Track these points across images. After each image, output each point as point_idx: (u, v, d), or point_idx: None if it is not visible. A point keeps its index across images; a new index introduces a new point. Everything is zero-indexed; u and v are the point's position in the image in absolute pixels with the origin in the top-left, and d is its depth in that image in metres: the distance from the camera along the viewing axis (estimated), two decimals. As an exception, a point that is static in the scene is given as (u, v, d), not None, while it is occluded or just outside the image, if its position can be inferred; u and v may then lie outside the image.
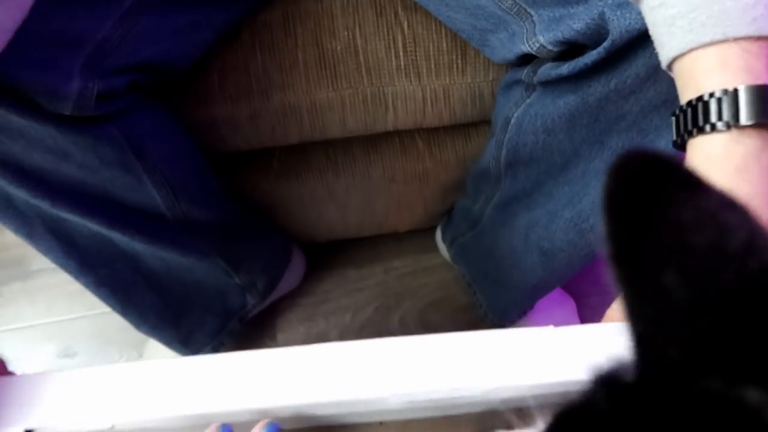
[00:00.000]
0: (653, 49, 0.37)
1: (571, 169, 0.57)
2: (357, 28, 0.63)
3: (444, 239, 0.90)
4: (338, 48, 0.63)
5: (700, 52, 0.34)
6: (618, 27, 0.42)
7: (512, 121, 0.59)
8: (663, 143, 0.50)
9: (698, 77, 0.34)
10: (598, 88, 0.49)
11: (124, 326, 0.70)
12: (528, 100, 0.56)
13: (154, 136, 0.57)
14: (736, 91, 0.32)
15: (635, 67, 0.45)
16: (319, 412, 0.33)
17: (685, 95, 0.35)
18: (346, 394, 0.31)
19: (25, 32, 0.37)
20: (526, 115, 0.57)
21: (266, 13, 0.63)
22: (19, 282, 0.96)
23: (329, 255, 0.93)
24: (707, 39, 0.33)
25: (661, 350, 0.16)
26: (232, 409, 0.31)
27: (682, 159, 0.41)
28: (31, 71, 0.42)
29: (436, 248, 0.93)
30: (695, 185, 0.18)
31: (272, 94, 0.64)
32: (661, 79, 0.44)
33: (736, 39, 0.33)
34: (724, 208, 0.17)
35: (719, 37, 0.33)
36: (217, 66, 0.62)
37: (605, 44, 0.44)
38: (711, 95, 0.33)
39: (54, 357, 0.89)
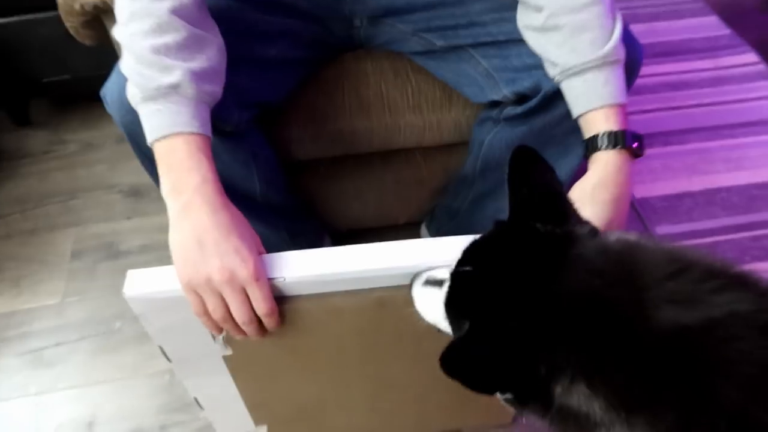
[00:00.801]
0: None
1: None
2: (382, 81, 0.98)
3: (429, 231, 1.25)
4: (370, 94, 0.98)
5: (593, 112, 0.71)
6: (547, 86, 0.79)
7: (485, 143, 0.94)
8: (577, 153, 0.86)
9: (594, 124, 0.71)
10: (538, 121, 0.85)
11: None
12: (495, 129, 0.92)
13: (259, 146, 0.91)
14: (611, 132, 0.69)
15: (559, 109, 0.81)
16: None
17: (588, 133, 0.71)
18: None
19: None
20: (494, 139, 0.93)
21: (325, 69, 0.98)
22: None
23: (348, 240, 1.26)
24: (597, 105, 0.70)
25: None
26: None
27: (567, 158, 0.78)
28: (217, 104, 0.76)
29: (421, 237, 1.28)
30: (543, 162, 0.53)
31: (327, 122, 0.98)
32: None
33: (611, 105, 0.70)
34: (552, 174, 0.52)
35: (602, 104, 0.70)
36: (293, 104, 0.96)
37: (540, 95, 0.80)
38: (602, 133, 0.69)
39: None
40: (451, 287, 0.53)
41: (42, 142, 1.58)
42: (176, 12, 0.65)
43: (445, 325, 0.55)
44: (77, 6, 0.92)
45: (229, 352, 0.77)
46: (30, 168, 1.52)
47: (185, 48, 0.65)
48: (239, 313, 0.62)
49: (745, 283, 0.40)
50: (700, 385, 0.37)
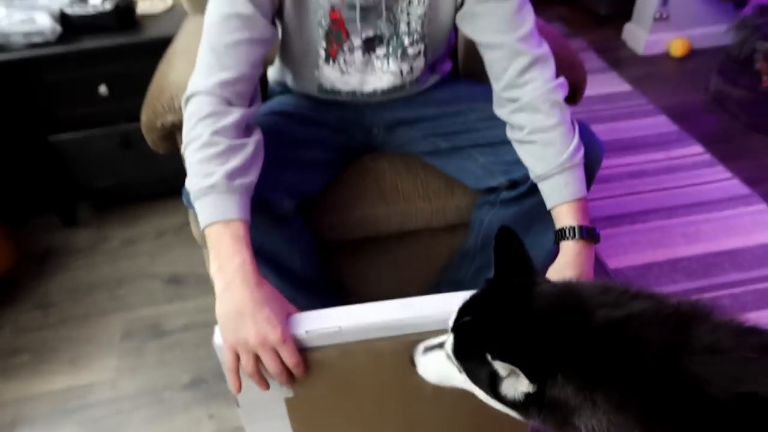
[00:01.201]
0: None
1: None
2: (396, 176, 1.22)
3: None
4: (387, 186, 1.22)
5: (558, 207, 0.96)
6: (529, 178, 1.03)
7: (485, 222, 1.17)
8: (551, 234, 1.08)
9: (560, 218, 0.95)
10: (527, 202, 1.09)
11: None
12: (493, 211, 1.15)
13: (300, 229, 1.12)
14: (572, 227, 0.93)
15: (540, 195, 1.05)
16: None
17: (557, 225, 0.96)
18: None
19: (269, 177, 0.94)
20: (493, 218, 1.16)
21: (351, 168, 1.22)
22: (160, 337, 1.43)
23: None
24: (560, 201, 0.95)
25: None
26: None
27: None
28: (273, 193, 0.98)
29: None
30: (517, 238, 0.75)
31: (352, 210, 1.21)
32: None
33: (572, 201, 0.95)
34: (522, 246, 0.75)
35: (564, 200, 0.96)
36: (326, 196, 1.19)
37: (529, 182, 1.04)
38: (566, 227, 0.93)
39: (188, 384, 1.35)
40: (456, 338, 0.70)
41: (88, 240, 1.79)
42: (217, 133, 0.87)
43: (450, 377, 0.73)
44: (158, 124, 1.16)
45: (291, 394, 0.94)
46: (78, 262, 1.71)
47: (223, 155, 0.86)
48: (272, 368, 0.80)
49: (650, 295, 0.63)
50: (629, 359, 0.58)
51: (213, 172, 0.85)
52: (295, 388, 0.93)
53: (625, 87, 2.36)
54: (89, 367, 1.41)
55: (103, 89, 1.59)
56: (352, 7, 0.98)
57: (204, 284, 1.60)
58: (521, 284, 0.71)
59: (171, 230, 1.80)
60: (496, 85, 1.04)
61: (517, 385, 0.66)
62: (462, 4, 1.02)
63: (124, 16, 1.57)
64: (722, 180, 1.87)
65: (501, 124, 1.07)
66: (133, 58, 1.58)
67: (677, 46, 2.53)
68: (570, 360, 0.61)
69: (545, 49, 1.01)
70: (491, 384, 0.67)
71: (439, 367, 0.75)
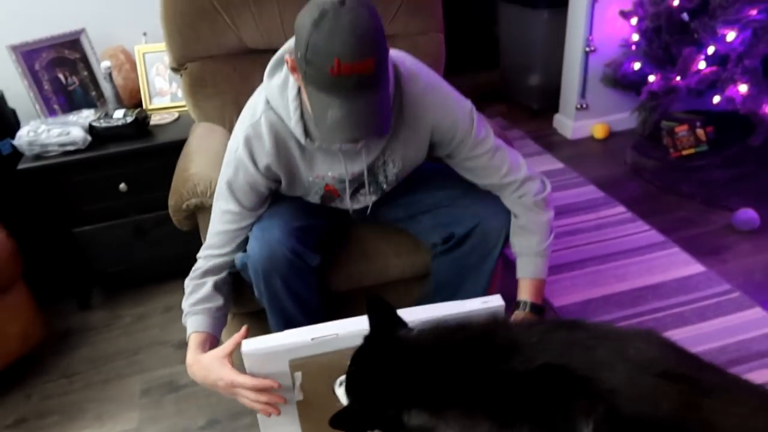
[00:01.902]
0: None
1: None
2: (375, 239, 1.53)
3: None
4: (370, 248, 1.52)
5: (522, 279, 1.33)
6: (458, 234, 1.36)
7: (433, 270, 1.46)
8: (483, 270, 1.39)
9: (522, 290, 1.33)
10: (457, 253, 1.38)
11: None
12: (437, 260, 1.44)
13: (316, 281, 1.39)
14: (527, 302, 1.30)
15: (467, 245, 1.36)
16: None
17: (518, 295, 1.33)
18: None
19: (307, 237, 1.27)
20: (437, 266, 1.44)
21: (342, 236, 1.52)
22: (176, 391, 1.65)
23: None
24: (525, 276, 1.33)
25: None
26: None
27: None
28: (309, 252, 1.28)
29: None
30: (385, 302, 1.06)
31: (343, 267, 1.50)
32: None
33: (533, 278, 1.33)
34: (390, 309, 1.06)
35: (528, 276, 1.34)
36: (326, 258, 1.49)
37: (455, 239, 1.37)
38: (523, 302, 1.30)
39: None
40: (345, 382, 0.98)
41: (102, 319, 2.02)
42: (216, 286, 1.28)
43: None
44: (184, 206, 1.47)
45: (301, 397, 1.19)
46: (96, 338, 1.93)
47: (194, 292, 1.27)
48: (248, 401, 1.13)
49: (463, 328, 0.92)
50: (460, 382, 0.85)
51: (192, 303, 1.29)
52: (303, 392, 1.19)
53: (558, 165, 2.79)
54: (114, 420, 1.61)
55: (122, 186, 1.91)
56: (342, 181, 1.30)
57: (210, 346, 1.84)
58: (385, 340, 0.98)
59: (177, 305, 2.01)
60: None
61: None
62: (449, 155, 1.31)
63: (141, 127, 1.92)
64: (642, 232, 2.24)
65: (437, 191, 1.40)
66: (148, 159, 1.92)
67: (598, 130, 3.01)
68: (414, 396, 0.88)
69: (524, 170, 1.31)
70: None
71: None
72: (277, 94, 1.20)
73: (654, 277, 1.99)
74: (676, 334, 1.74)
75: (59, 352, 1.88)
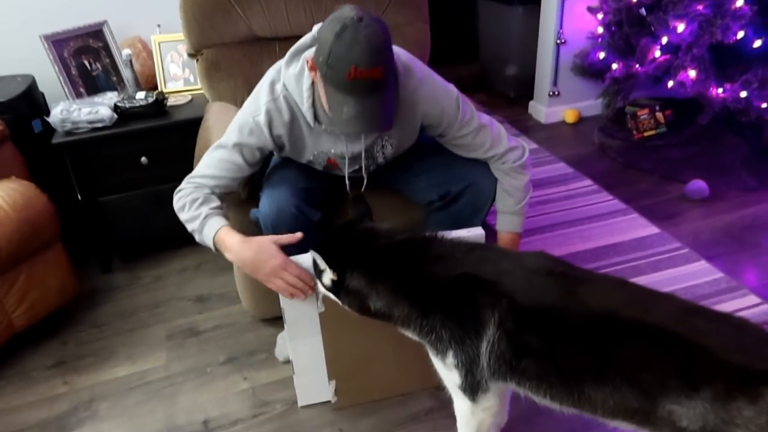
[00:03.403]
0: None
1: None
2: (371, 198, 1.78)
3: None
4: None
5: (502, 233, 1.63)
6: (453, 191, 1.60)
7: (428, 225, 1.71)
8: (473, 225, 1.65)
9: (501, 242, 1.60)
10: (452, 210, 1.63)
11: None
12: (431, 216, 1.69)
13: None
14: None
15: (459, 203, 1.61)
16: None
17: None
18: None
19: (309, 196, 1.52)
20: (431, 221, 1.69)
21: (340, 197, 1.77)
22: (197, 335, 1.89)
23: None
24: (505, 230, 1.61)
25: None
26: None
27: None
28: (311, 209, 1.52)
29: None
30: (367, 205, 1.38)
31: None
32: None
33: (511, 232, 1.62)
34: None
35: (507, 231, 1.62)
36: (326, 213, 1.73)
37: (449, 196, 1.61)
38: None
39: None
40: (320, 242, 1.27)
41: (124, 280, 2.24)
42: (201, 201, 1.44)
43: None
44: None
45: (323, 309, 1.43)
46: (119, 295, 2.16)
47: (205, 203, 1.44)
48: (289, 285, 1.35)
49: (410, 233, 1.26)
50: (395, 265, 1.20)
51: (200, 213, 1.42)
52: (325, 304, 1.42)
53: (533, 146, 3.06)
54: (144, 359, 1.84)
55: (143, 159, 2.14)
56: (343, 157, 1.52)
57: (224, 299, 2.08)
58: (353, 225, 1.30)
59: (191, 267, 2.29)
60: None
61: (328, 275, 1.22)
62: (440, 135, 1.53)
63: (160, 107, 2.15)
64: (606, 201, 2.52)
65: (432, 157, 1.63)
66: (166, 135, 2.15)
67: (569, 115, 3.29)
68: (360, 264, 1.19)
69: (504, 143, 1.52)
70: (319, 277, 1.26)
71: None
72: (293, 82, 1.43)
73: (614, 238, 2.27)
74: (631, 282, 2.01)
75: (87, 307, 2.10)
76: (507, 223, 1.59)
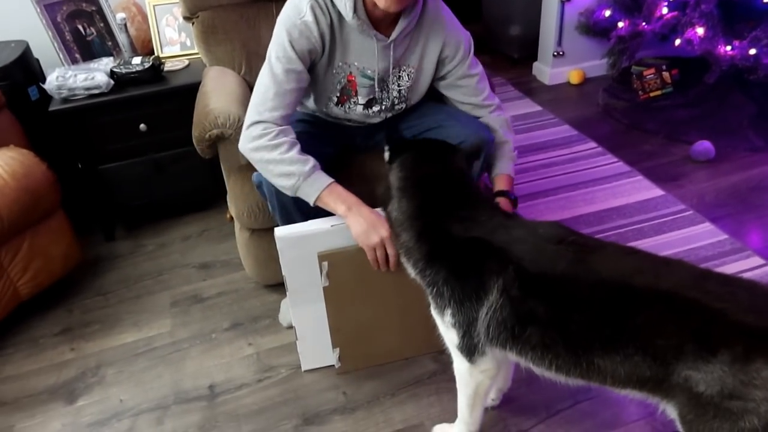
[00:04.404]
0: None
1: None
2: (372, 164, 1.76)
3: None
4: (366, 171, 1.75)
5: (498, 175, 1.57)
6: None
7: None
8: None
9: (498, 184, 1.56)
10: None
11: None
12: None
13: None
14: (504, 191, 1.54)
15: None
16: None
17: (496, 188, 1.56)
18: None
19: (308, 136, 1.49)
20: None
21: (344, 159, 1.75)
22: (201, 301, 1.90)
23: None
24: (500, 172, 1.57)
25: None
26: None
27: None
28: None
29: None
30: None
31: (349, 188, 1.73)
32: None
33: (504, 174, 1.57)
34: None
35: (502, 172, 1.58)
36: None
37: None
38: (498, 191, 1.54)
39: (228, 329, 1.82)
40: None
41: (127, 248, 2.25)
42: (293, 145, 1.39)
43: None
44: (206, 136, 1.68)
45: (327, 283, 1.43)
46: (123, 263, 2.17)
47: (302, 155, 1.38)
48: (388, 255, 1.34)
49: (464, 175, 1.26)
50: (428, 196, 1.21)
51: (306, 161, 1.37)
52: (329, 279, 1.43)
53: (537, 108, 3.02)
54: (149, 326, 1.86)
55: (142, 126, 2.11)
56: (364, 76, 1.52)
57: (227, 266, 2.08)
58: (431, 142, 1.36)
59: (194, 234, 2.29)
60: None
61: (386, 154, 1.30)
62: (444, 77, 1.58)
63: (157, 72, 2.11)
64: (611, 163, 2.49)
65: (427, 117, 1.63)
66: (164, 101, 2.12)
67: (574, 76, 3.23)
68: (402, 169, 1.25)
69: (497, 100, 1.63)
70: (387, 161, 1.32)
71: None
72: None
73: (618, 201, 2.25)
74: (636, 245, 2.00)
75: (92, 275, 2.11)
76: (504, 166, 1.58)
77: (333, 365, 1.61)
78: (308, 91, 1.62)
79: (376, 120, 1.64)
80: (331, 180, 1.38)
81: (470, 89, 1.60)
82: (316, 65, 1.50)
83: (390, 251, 1.35)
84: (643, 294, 0.97)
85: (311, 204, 1.38)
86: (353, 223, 1.34)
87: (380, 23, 1.44)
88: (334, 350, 1.56)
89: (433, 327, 1.53)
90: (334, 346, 1.56)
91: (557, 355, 1.04)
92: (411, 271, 1.24)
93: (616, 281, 1.00)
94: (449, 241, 1.14)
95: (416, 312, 1.53)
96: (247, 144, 1.41)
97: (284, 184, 1.38)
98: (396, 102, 1.60)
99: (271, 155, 1.37)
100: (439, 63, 1.57)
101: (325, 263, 1.41)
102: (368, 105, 1.60)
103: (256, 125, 1.39)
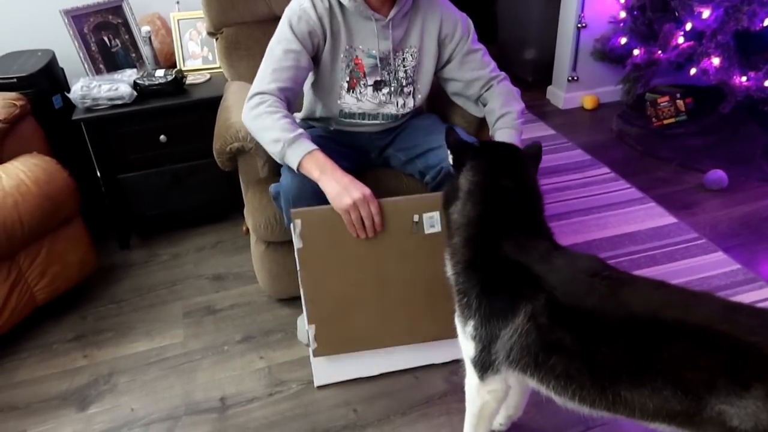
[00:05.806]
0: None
1: None
2: (387, 182, 1.78)
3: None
4: (382, 189, 1.77)
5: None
6: (445, 169, 1.60)
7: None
8: None
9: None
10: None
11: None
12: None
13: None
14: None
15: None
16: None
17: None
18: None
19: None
20: None
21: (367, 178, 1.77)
22: (214, 313, 1.91)
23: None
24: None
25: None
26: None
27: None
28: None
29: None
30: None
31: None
32: None
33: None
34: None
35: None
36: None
37: (441, 174, 1.62)
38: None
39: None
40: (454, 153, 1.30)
41: (141, 257, 2.27)
42: (286, 116, 1.44)
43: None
44: (227, 149, 1.70)
45: (301, 245, 1.42)
46: (137, 272, 2.19)
47: (293, 123, 1.43)
48: (369, 215, 1.37)
49: (535, 194, 1.26)
50: (492, 209, 1.19)
51: (294, 129, 1.42)
52: (303, 240, 1.42)
53: (550, 131, 3.04)
54: (162, 336, 1.87)
55: (162, 137, 2.15)
56: (370, 56, 1.59)
57: (241, 278, 2.10)
58: (503, 147, 1.36)
59: (209, 246, 2.31)
60: (474, 96, 1.70)
61: (450, 159, 1.28)
62: (450, 59, 1.65)
63: (179, 85, 2.15)
64: (623, 189, 2.51)
65: (426, 137, 1.67)
66: (185, 114, 2.15)
67: (588, 101, 3.26)
68: (481, 172, 1.23)
69: (502, 73, 1.72)
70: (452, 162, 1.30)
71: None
72: None
73: (631, 227, 2.26)
74: (647, 272, 2.01)
75: (106, 283, 2.13)
76: (506, 137, 1.58)
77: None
78: (319, 95, 1.68)
79: (389, 109, 1.68)
80: (314, 147, 1.41)
81: (477, 63, 1.67)
82: (321, 55, 1.58)
83: (373, 209, 1.38)
84: (672, 327, 0.97)
85: (295, 170, 1.42)
86: (326, 186, 1.37)
87: (379, 7, 1.56)
88: (310, 327, 1.53)
89: (414, 318, 1.52)
90: (310, 323, 1.52)
91: (582, 386, 1.04)
92: (449, 270, 1.24)
93: (645, 315, 1.00)
94: (494, 257, 1.15)
95: (396, 299, 1.52)
96: (247, 114, 1.49)
97: (273, 151, 1.44)
98: (404, 83, 1.66)
99: (265, 122, 1.44)
100: (441, 45, 1.65)
101: (298, 221, 1.40)
102: (377, 87, 1.64)
103: (255, 96, 1.49)
